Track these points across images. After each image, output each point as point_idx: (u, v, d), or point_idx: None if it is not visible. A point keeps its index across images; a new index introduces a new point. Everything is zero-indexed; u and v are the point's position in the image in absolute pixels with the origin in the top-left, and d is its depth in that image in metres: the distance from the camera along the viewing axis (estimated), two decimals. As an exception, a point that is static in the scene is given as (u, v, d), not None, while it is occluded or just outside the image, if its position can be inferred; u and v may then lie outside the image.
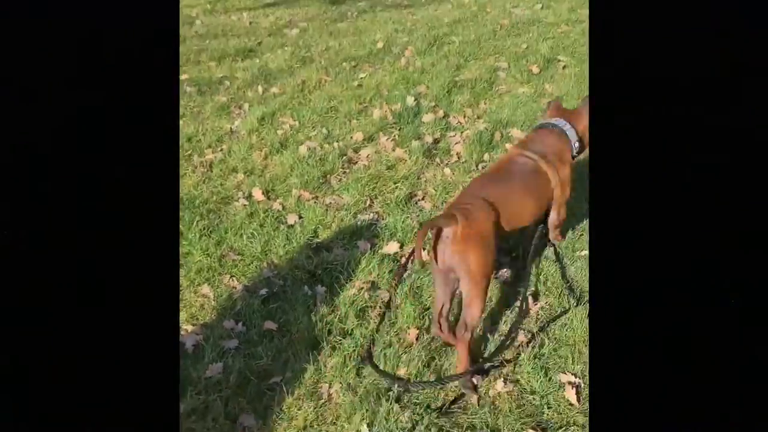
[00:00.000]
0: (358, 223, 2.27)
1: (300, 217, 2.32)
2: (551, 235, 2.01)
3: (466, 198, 1.70)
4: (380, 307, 1.85)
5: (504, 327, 1.78)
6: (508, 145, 2.65)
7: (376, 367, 1.61)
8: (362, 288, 1.93)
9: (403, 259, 1.96)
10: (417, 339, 1.73)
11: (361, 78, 3.62)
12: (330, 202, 2.41)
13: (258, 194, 2.46)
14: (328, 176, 2.60)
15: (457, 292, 1.62)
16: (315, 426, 1.50)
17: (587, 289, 1.89)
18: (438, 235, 1.55)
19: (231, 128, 3.06)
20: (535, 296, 1.89)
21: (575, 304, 1.83)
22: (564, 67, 3.63)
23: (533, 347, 1.69)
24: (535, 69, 3.59)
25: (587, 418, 1.46)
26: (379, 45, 4.12)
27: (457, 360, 1.62)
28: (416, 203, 2.40)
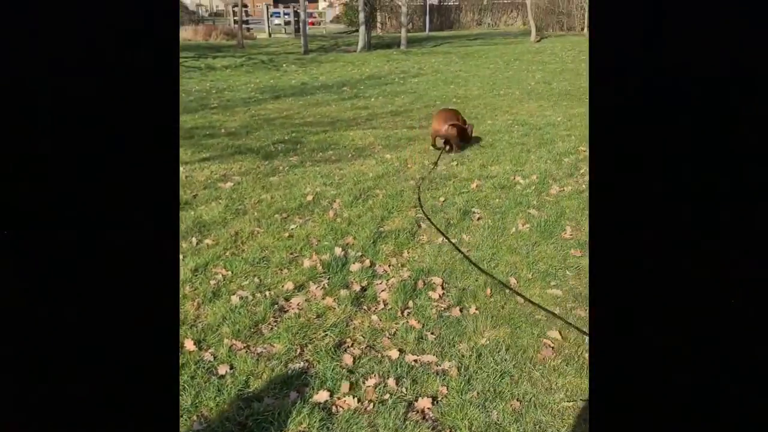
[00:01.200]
0: (289, 371, 2.35)
1: (231, 368, 2.37)
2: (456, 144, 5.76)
3: (450, 119, 5.69)
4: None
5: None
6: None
7: None
8: (293, 438, 1.97)
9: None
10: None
11: (292, 229, 3.83)
12: (261, 351, 2.48)
13: (190, 345, 2.50)
14: (260, 325, 2.69)
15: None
16: None
17: None
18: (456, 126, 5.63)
19: (163, 279, 3.13)
20: (460, 439, 1.99)
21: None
22: (478, 219, 4.00)
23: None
24: (452, 220, 3.94)
25: None
26: (309, 198, 4.41)
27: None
28: (345, 350, 2.51)
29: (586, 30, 28.50)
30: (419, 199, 4.36)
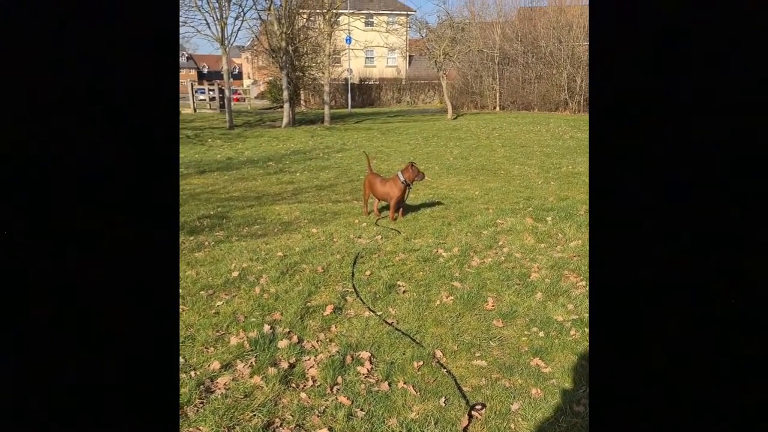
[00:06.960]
0: (216, 456, 2.27)
1: (154, 455, 2.27)
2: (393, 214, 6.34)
3: (388, 182, 6.30)
4: None
5: None
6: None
7: None
8: None
9: None
10: None
11: (218, 306, 3.77)
12: (186, 436, 2.40)
13: (108, 433, 2.38)
14: (185, 407, 2.60)
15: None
16: None
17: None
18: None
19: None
20: None
21: None
22: (404, 292, 4.10)
23: None
24: (379, 293, 4.02)
25: None
26: (235, 273, 4.37)
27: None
28: (274, 431, 2.47)
29: (498, 108, 30.42)
30: (353, 272, 4.42)
